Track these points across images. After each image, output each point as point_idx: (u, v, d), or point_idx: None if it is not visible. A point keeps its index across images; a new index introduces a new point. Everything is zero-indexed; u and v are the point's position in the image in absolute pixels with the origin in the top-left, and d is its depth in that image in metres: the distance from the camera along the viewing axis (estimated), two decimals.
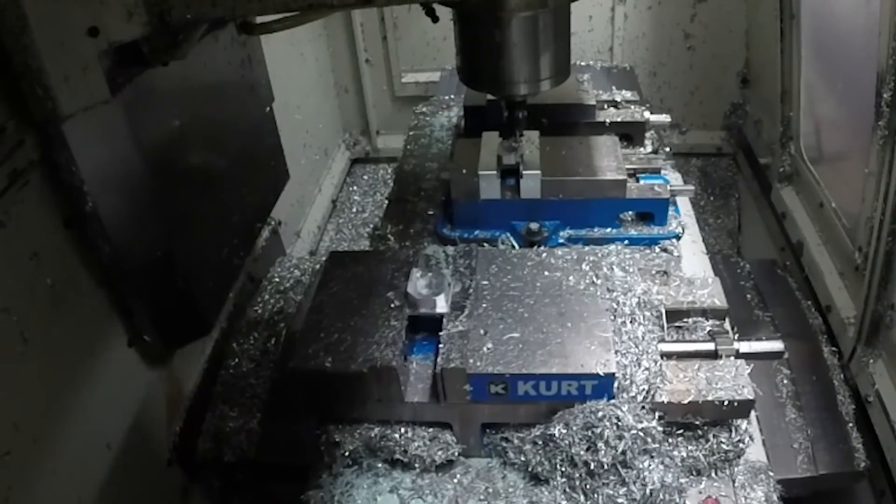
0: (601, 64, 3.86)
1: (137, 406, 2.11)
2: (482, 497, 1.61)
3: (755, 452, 1.81)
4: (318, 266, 2.75)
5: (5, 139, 1.52)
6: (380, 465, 1.69)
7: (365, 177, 5.07)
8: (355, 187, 5.01)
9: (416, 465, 1.66)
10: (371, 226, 4.08)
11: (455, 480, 1.66)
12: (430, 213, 2.42)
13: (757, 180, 3.96)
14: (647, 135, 2.58)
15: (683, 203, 2.48)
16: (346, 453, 1.68)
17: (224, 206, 2.40)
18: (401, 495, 1.63)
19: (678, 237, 2.22)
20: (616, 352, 1.60)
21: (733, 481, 1.68)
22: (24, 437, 1.62)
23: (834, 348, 2.55)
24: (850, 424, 2.30)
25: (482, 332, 1.63)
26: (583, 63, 3.81)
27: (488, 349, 1.59)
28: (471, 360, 1.56)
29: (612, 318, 1.69)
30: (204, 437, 2.28)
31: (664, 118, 2.62)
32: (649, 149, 2.53)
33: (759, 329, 2.56)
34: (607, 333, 1.62)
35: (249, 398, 2.33)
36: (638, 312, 1.73)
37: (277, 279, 2.75)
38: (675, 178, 2.56)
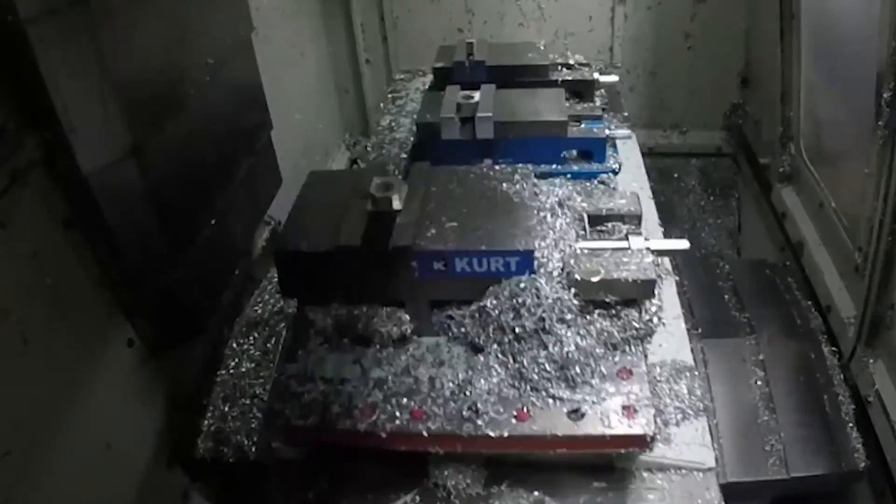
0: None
1: (137, 406, 2.11)
2: (431, 365, 1.87)
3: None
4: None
5: (5, 139, 1.52)
6: (346, 342, 1.94)
7: None
8: None
9: (377, 341, 1.91)
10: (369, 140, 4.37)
11: (408, 353, 1.91)
12: (403, 156, 2.79)
13: (757, 180, 3.96)
14: (597, 94, 2.89)
15: (629, 147, 2.89)
16: (319, 332, 1.93)
17: (223, 206, 2.40)
18: (363, 364, 1.88)
19: (615, 172, 2.55)
20: (537, 236, 1.91)
21: (645, 356, 1.91)
22: (24, 437, 1.62)
23: (834, 348, 2.55)
24: (850, 424, 2.30)
25: (428, 222, 1.91)
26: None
27: (432, 234, 1.87)
28: (416, 240, 1.84)
29: (536, 213, 2.00)
30: (204, 437, 2.28)
31: (613, 78, 2.99)
32: (598, 103, 2.83)
33: (737, 330, 2.57)
34: (531, 222, 1.93)
35: (249, 398, 2.33)
36: (559, 210, 2.07)
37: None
38: (622, 132, 2.83)
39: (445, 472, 1.81)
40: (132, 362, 2.08)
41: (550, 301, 1.80)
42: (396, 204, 1.88)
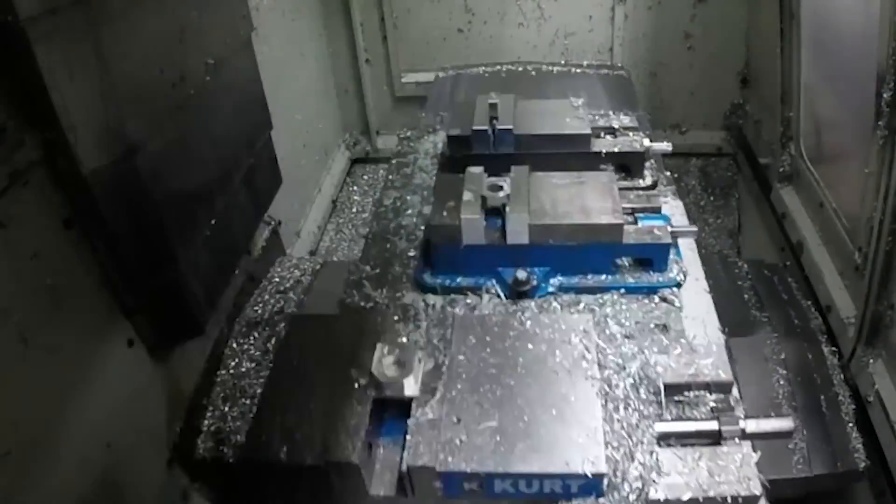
0: (595, 70, 3.71)
1: (137, 406, 2.11)
2: None
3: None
4: (318, 266, 2.76)
5: (5, 139, 1.52)
6: None
7: (365, 177, 5.07)
8: (355, 187, 5.01)
9: None
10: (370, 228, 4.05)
11: None
12: (411, 254, 2.23)
13: (757, 180, 3.96)
14: (647, 164, 2.39)
15: (687, 245, 2.25)
16: None
17: (222, 206, 2.40)
18: None
19: (679, 285, 2.04)
20: (607, 444, 1.46)
21: None
22: (24, 437, 1.62)
23: (834, 348, 2.55)
24: (850, 424, 2.30)
25: (455, 419, 1.49)
26: (577, 70, 3.79)
27: (461, 441, 1.44)
28: (441, 456, 1.43)
29: (604, 402, 1.55)
30: (204, 437, 2.28)
31: (665, 146, 2.43)
32: (649, 180, 2.35)
33: (755, 329, 2.56)
34: (597, 423, 1.48)
35: (249, 398, 2.33)
36: (633, 396, 1.59)
37: (277, 279, 2.75)
38: (676, 208, 2.38)
39: None
40: (132, 362, 2.08)
41: None
42: (410, 389, 1.51)
